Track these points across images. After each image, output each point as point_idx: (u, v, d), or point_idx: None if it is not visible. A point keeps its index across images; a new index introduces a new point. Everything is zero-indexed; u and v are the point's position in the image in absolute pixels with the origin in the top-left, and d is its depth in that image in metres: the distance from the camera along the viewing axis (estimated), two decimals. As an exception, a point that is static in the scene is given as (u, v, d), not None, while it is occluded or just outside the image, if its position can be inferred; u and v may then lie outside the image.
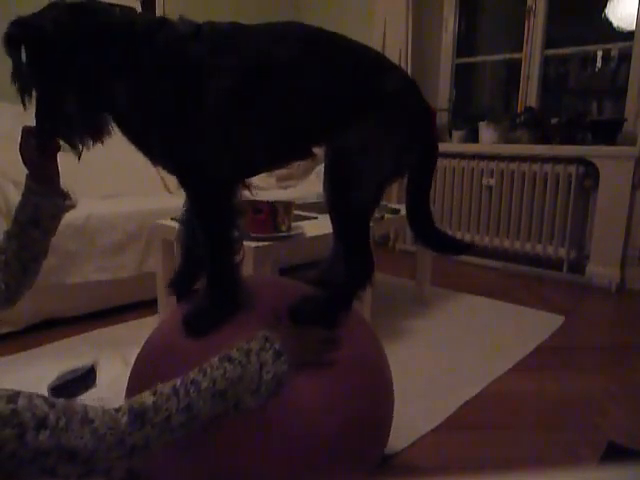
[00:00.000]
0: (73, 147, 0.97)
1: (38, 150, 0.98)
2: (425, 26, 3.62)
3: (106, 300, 2.33)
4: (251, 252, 1.63)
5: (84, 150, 0.98)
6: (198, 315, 1.02)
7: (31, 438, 0.64)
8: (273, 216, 1.71)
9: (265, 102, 0.96)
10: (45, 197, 1.00)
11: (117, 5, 0.94)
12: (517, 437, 1.46)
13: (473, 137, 3.46)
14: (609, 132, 2.87)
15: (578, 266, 3.07)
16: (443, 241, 1.20)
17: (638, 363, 1.97)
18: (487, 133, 3.32)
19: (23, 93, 0.90)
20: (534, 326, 2.31)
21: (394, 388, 1.16)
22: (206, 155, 0.95)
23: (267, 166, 1.15)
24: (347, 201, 1.01)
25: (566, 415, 1.58)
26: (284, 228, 1.74)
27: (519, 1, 3.30)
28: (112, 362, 1.53)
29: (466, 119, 3.51)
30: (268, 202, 1.73)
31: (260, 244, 1.65)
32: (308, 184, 3.39)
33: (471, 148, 3.39)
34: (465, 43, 3.67)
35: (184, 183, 1.00)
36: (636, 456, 1.35)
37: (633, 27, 2.89)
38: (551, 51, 3.26)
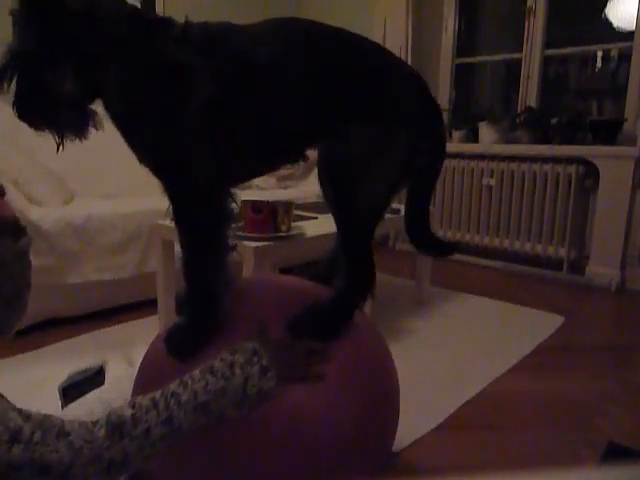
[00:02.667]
0: (58, 131, 0.90)
1: None
2: (425, 26, 3.62)
3: (106, 300, 2.33)
4: (251, 252, 1.63)
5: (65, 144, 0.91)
6: (179, 335, 0.98)
7: (3, 452, 0.62)
8: (273, 216, 1.71)
9: (250, 105, 0.92)
10: None
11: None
12: (517, 437, 1.46)
13: (473, 137, 3.46)
14: (609, 132, 2.87)
15: (578, 266, 3.07)
16: (436, 245, 1.18)
17: (638, 363, 1.97)
18: (487, 133, 3.32)
19: (13, 65, 0.83)
20: (534, 326, 2.31)
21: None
22: (190, 157, 0.91)
23: (256, 171, 1.08)
24: (350, 210, 0.96)
25: (566, 415, 1.58)
26: (284, 228, 1.74)
27: (519, 1, 3.30)
28: (114, 362, 1.53)
29: (466, 119, 3.51)
30: (268, 202, 1.74)
31: (260, 244, 1.65)
32: (308, 184, 3.39)
33: (471, 148, 3.39)
34: (465, 43, 3.67)
35: (167, 186, 0.95)
36: (636, 456, 1.35)
37: (633, 27, 2.89)
38: (551, 51, 3.26)
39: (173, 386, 0.80)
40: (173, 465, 0.97)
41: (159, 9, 3.33)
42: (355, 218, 0.98)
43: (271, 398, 0.86)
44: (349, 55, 0.95)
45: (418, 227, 1.12)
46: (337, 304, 1.03)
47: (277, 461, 0.90)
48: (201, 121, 0.90)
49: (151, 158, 0.95)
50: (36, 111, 0.87)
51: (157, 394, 0.79)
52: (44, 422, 0.67)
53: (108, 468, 0.70)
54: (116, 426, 0.72)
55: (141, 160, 0.96)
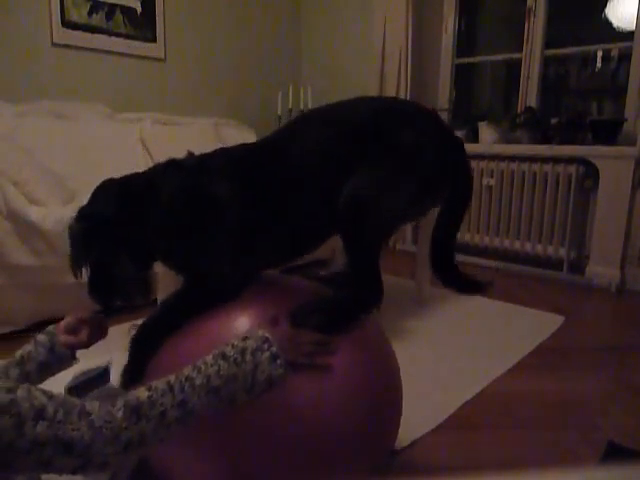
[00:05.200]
0: (129, 302, 1.12)
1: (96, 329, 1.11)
2: (425, 26, 3.62)
3: (106, 300, 2.33)
4: (251, 252, 1.62)
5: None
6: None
7: (29, 428, 0.65)
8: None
9: (282, 210, 1.05)
10: (53, 351, 1.05)
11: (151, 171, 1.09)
12: (517, 437, 1.46)
13: (473, 137, 3.46)
14: (609, 132, 2.87)
15: (578, 266, 3.07)
16: (462, 281, 1.18)
17: (638, 363, 1.97)
18: (487, 133, 3.32)
19: (79, 267, 1.06)
20: (534, 326, 2.31)
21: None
22: (230, 267, 1.04)
23: (288, 260, 1.17)
24: (359, 238, 1.02)
25: (566, 415, 1.58)
26: (284, 228, 1.74)
27: (519, 1, 3.30)
28: (119, 362, 1.54)
29: (466, 119, 3.51)
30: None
31: (260, 244, 1.65)
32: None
33: (471, 148, 3.39)
34: (465, 43, 3.67)
35: (204, 286, 1.07)
36: (636, 456, 1.35)
37: (633, 27, 2.89)
38: (551, 51, 3.26)
39: (187, 370, 0.82)
40: (181, 458, 0.98)
41: (159, 9, 3.33)
42: (362, 248, 1.04)
43: (277, 385, 0.88)
44: (363, 120, 1.06)
45: (441, 258, 1.16)
46: (340, 307, 1.06)
47: (283, 456, 0.92)
48: (234, 238, 1.03)
49: (192, 269, 1.09)
50: (109, 293, 1.10)
51: (172, 378, 0.81)
52: (66, 402, 0.70)
53: (125, 448, 0.72)
54: (134, 408, 0.74)
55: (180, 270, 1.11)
